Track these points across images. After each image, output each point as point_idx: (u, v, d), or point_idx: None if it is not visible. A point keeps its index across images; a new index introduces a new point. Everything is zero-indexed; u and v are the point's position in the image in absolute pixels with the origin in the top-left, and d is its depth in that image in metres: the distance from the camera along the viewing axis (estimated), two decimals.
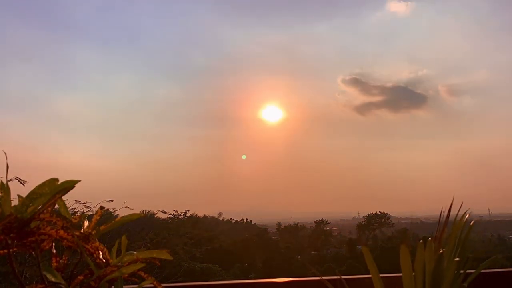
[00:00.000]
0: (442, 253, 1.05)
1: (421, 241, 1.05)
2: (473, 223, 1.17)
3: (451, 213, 1.20)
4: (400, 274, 1.08)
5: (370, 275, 1.14)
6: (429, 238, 1.07)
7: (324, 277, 1.27)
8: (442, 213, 1.19)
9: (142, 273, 1.05)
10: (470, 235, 1.16)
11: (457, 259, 1.06)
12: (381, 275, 1.13)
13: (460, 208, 1.16)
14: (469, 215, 1.16)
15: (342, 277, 1.32)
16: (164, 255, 1.08)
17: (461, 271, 1.10)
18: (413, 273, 1.06)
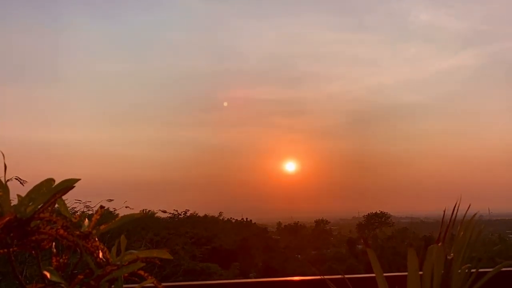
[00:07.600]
0: (452, 258, 1.03)
1: (431, 246, 1.03)
2: (483, 227, 1.16)
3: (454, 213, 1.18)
4: (404, 274, 1.07)
5: (373, 275, 1.13)
6: (439, 244, 1.05)
7: (326, 277, 1.27)
8: (446, 213, 1.17)
9: (142, 273, 1.04)
10: (473, 236, 1.15)
11: (468, 265, 1.04)
12: (384, 274, 1.12)
13: (468, 209, 1.15)
14: (479, 217, 1.14)
15: (346, 276, 1.32)
16: (164, 254, 1.08)
17: (472, 271, 1.09)
18: (420, 272, 1.05)
